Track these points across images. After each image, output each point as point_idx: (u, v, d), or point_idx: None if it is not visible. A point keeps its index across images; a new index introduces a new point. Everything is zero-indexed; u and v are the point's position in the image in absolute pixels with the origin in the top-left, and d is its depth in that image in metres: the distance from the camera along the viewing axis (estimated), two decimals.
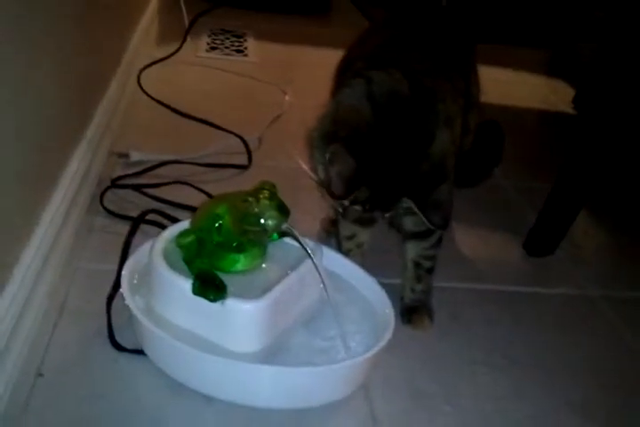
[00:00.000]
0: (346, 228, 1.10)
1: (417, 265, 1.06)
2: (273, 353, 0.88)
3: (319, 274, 0.88)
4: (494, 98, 2.13)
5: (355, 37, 1.17)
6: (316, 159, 0.94)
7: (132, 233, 1.07)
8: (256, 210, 0.85)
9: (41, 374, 0.86)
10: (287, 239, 0.96)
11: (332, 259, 1.01)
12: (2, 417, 0.73)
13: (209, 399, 0.86)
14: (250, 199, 0.85)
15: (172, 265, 0.89)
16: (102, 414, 0.82)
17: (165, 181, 1.30)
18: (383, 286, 0.99)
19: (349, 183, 0.86)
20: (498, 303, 1.16)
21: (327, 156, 0.87)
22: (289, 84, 1.98)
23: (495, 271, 1.27)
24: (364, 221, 1.07)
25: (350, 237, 1.10)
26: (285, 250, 0.96)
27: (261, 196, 0.85)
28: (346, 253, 1.10)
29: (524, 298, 1.19)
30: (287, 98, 1.89)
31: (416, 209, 0.89)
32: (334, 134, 0.88)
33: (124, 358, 0.91)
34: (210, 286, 0.84)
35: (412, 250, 1.06)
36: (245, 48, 2.29)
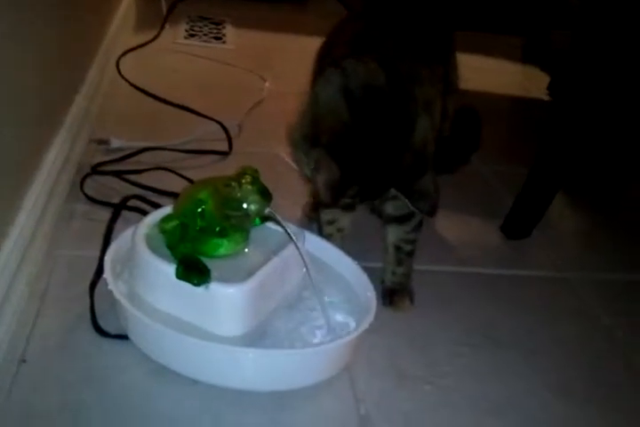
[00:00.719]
0: (327, 213, 1.11)
1: (397, 249, 1.08)
2: (257, 337, 0.89)
3: (302, 258, 0.89)
4: (470, 85, 2.15)
5: (334, 25, 1.17)
6: (299, 159, 0.95)
7: (113, 219, 1.07)
8: (238, 195, 0.85)
9: (24, 361, 0.86)
10: (270, 224, 0.97)
11: (314, 243, 1.02)
12: None
13: (194, 382, 0.86)
14: (232, 184, 0.85)
15: (155, 250, 0.89)
16: (87, 400, 0.82)
17: (146, 167, 1.29)
18: (365, 269, 1.01)
19: (337, 190, 0.88)
20: (478, 285, 1.18)
21: (312, 165, 0.88)
22: (268, 70, 1.98)
23: (474, 254, 1.29)
24: (345, 207, 1.08)
25: (331, 222, 1.11)
26: (268, 234, 0.97)
27: (244, 180, 0.86)
28: (327, 237, 1.11)
29: (503, 280, 1.21)
30: (267, 84, 1.89)
31: (403, 198, 0.91)
32: (316, 139, 0.89)
33: (107, 343, 0.91)
34: (193, 271, 0.85)
35: (393, 234, 1.07)
36: (224, 35, 2.28)
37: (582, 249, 1.40)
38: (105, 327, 0.92)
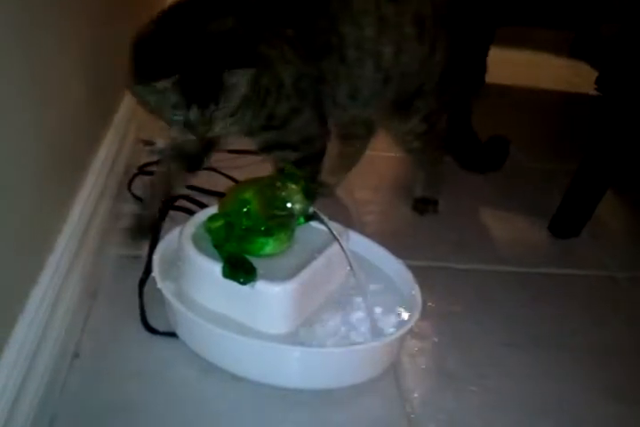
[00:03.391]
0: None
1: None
2: (303, 334, 0.89)
3: (346, 256, 0.90)
4: (518, 80, 2.13)
5: None
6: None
7: (160, 218, 1.09)
8: (283, 194, 0.86)
9: (77, 355, 0.89)
10: (314, 223, 0.97)
11: (358, 242, 1.03)
12: (41, 399, 0.76)
13: (240, 380, 0.88)
14: (277, 184, 0.86)
15: (201, 249, 0.91)
16: (135, 395, 0.84)
17: None
18: (409, 268, 1.00)
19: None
20: (524, 285, 1.17)
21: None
22: None
23: (521, 253, 1.27)
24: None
25: None
26: (313, 233, 0.97)
27: (287, 180, 0.87)
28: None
29: (550, 280, 1.20)
30: None
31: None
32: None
33: (156, 340, 0.93)
34: (240, 270, 0.86)
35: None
36: None
37: (632, 248, 1.37)
38: (154, 325, 0.94)
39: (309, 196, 0.87)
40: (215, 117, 0.97)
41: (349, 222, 1.26)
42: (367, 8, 1.03)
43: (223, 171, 1.32)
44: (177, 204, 1.17)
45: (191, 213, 1.10)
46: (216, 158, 1.35)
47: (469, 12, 1.19)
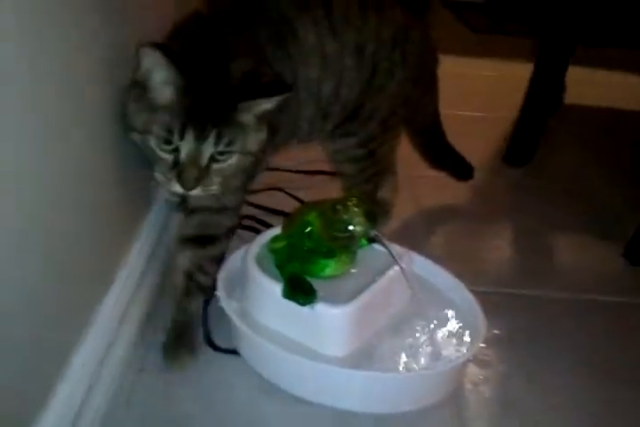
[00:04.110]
0: None
1: (190, 277, 0.96)
2: (362, 357, 0.89)
3: (406, 280, 0.89)
4: (593, 100, 2.07)
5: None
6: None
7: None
8: (345, 217, 0.87)
9: (142, 370, 0.91)
10: (376, 245, 0.97)
11: (422, 265, 1.02)
12: (106, 412, 0.79)
13: (299, 401, 0.88)
14: (338, 207, 0.87)
15: (265, 269, 0.92)
16: (195, 413, 0.86)
17: (260, 187, 1.34)
18: (475, 293, 0.99)
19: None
20: (595, 314, 1.12)
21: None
22: None
23: (593, 280, 1.22)
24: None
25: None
26: (374, 256, 0.97)
27: (350, 203, 0.87)
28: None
29: (624, 309, 1.15)
30: None
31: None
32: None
33: (218, 357, 0.95)
34: (299, 291, 0.87)
35: (188, 258, 0.96)
36: None
37: None
38: (217, 342, 0.96)
39: (371, 218, 0.87)
40: (213, 168, 0.79)
41: (415, 244, 1.25)
42: (314, 47, 0.96)
43: (289, 191, 1.33)
44: (244, 223, 1.19)
45: (258, 232, 1.11)
46: (282, 178, 1.38)
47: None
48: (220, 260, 0.98)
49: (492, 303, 1.08)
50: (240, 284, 0.97)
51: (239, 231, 1.17)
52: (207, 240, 0.97)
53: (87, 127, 0.76)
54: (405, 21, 1.05)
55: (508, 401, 0.92)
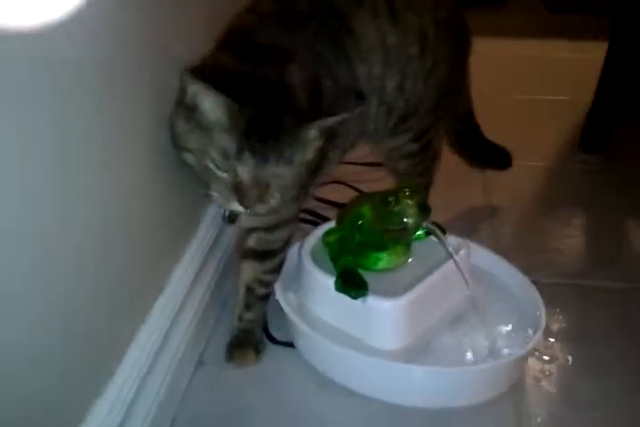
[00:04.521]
0: None
1: (249, 290, 0.95)
2: (416, 351, 0.88)
3: (461, 274, 0.87)
4: None
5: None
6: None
7: None
8: (396, 209, 0.85)
9: (202, 363, 0.93)
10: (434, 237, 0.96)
11: (482, 256, 1.00)
12: (162, 401, 0.81)
13: (354, 394, 0.88)
14: (390, 199, 0.86)
15: (320, 262, 0.93)
16: (253, 403, 0.88)
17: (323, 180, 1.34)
18: (542, 285, 0.96)
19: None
20: None
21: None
22: None
23: None
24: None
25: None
26: (432, 248, 0.95)
27: (401, 195, 0.86)
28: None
29: None
30: None
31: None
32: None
33: (276, 350, 0.96)
34: (351, 284, 0.87)
35: (248, 271, 0.95)
36: None
37: None
38: (276, 335, 0.97)
39: (423, 210, 0.86)
40: (272, 184, 0.74)
41: (482, 234, 1.22)
42: (375, 43, 0.91)
43: (352, 184, 1.33)
44: (303, 216, 1.19)
45: (317, 224, 1.11)
46: (346, 171, 1.37)
47: None
48: (279, 267, 0.97)
49: (560, 295, 1.06)
50: (297, 276, 0.98)
51: (300, 224, 1.18)
52: (266, 255, 0.95)
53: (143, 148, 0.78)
54: None
55: (571, 399, 0.89)
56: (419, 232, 0.91)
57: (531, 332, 0.89)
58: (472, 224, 1.26)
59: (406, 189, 0.87)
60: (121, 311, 0.75)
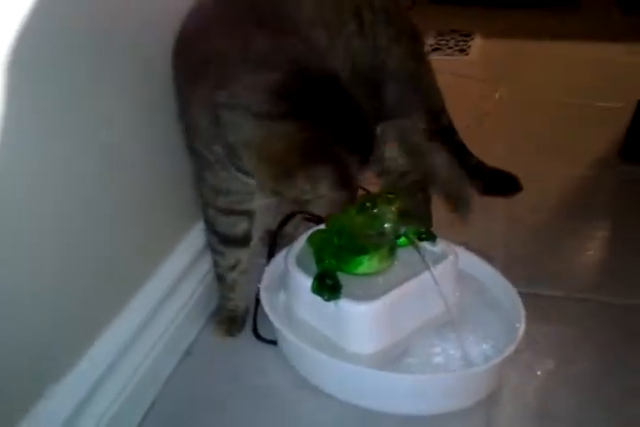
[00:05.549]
0: (229, 256, 0.98)
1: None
2: (391, 357, 0.88)
3: (435, 283, 0.87)
4: None
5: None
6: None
7: (279, 229, 1.07)
8: (374, 213, 0.86)
9: (189, 353, 0.97)
10: (425, 243, 0.95)
11: (471, 262, 0.99)
12: (144, 385, 0.86)
13: (330, 397, 0.89)
14: (367, 204, 0.87)
15: (307, 264, 0.94)
16: (229, 397, 0.91)
17: None
18: (544, 297, 0.97)
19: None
20: None
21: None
22: (505, 79, 1.90)
23: None
24: (244, 239, 0.98)
25: (234, 267, 0.99)
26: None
27: (380, 200, 0.86)
28: (231, 285, 1.00)
29: None
30: (497, 95, 1.83)
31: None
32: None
33: (262, 347, 0.98)
34: (326, 286, 0.87)
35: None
36: (469, 47, 2.25)
37: None
38: (263, 333, 1.00)
39: (402, 216, 0.86)
40: None
41: (494, 243, 1.20)
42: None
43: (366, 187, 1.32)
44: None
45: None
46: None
47: None
48: None
49: (560, 309, 1.03)
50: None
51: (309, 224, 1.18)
52: None
53: None
54: None
55: (545, 413, 0.86)
56: (402, 238, 0.91)
57: (506, 343, 0.87)
58: (486, 232, 1.23)
59: (387, 195, 0.87)
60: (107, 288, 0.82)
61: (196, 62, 0.80)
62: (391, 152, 1.05)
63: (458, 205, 1.16)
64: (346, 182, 0.73)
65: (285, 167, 0.72)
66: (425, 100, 1.06)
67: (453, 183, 1.15)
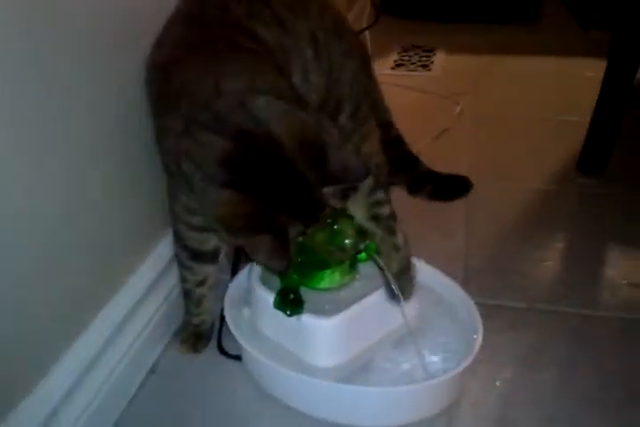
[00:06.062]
0: (198, 272, 0.97)
1: (376, 218, 0.90)
2: (351, 370, 0.90)
3: (398, 295, 0.88)
4: None
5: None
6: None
7: (239, 250, 1.09)
8: (335, 229, 0.88)
9: (153, 371, 0.98)
10: None
11: (429, 274, 1.01)
12: (107, 404, 0.86)
13: (291, 409, 0.90)
14: (328, 220, 0.88)
15: (269, 280, 0.95)
16: (196, 412, 0.91)
17: None
18: (506, 309, 1.00)
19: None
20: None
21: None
22: (466, 95, 1.94)
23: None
24: (214, 255, 0.97)
25: (202, 282, 0.99)
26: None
27: (340, 216, 0.88)
28: (197, 301, 1.00)
29: None
30: (458, 109, 1.86)
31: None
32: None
33: (226, 362, 0.99)
34: (288, 301, 0.89)
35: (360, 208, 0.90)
36: (431, 63, 2.29)
37: None
38: (229, 348, 1.00)
39: (360, 232, 0.88)
40: None
41: (455, 255, 1.22)
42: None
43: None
44: None
45: None
46: None
47: None
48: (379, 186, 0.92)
49: (522, 320, 1.06)
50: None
51: None
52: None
53: None
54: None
55: (507, 423, 0.88)
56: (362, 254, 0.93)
57: (464, 353, 0.89)
58: (446, 244, 1.26)
59: (343, 211, 0.89)
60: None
61: (170, 92, 0.79)
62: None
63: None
64: (280, 255, 0.72)
65: (230, 228, 0.72)
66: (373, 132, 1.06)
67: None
